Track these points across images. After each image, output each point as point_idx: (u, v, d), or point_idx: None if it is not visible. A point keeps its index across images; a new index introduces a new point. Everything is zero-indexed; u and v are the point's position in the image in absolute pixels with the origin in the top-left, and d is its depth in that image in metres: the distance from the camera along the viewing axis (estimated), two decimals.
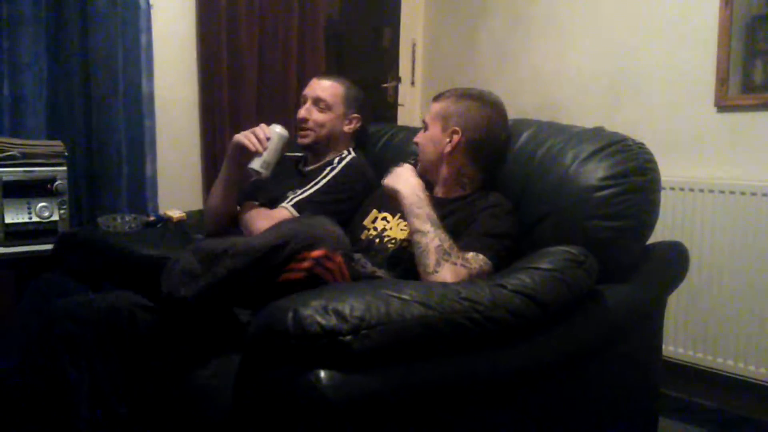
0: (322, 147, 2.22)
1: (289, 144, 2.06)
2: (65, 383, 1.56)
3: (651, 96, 2.71)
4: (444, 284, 1.36)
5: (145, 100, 2.87)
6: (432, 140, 1.85)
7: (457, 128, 1.79)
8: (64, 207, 2.53)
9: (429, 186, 1.82)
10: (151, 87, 2.90)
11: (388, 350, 1.18)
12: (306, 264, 1.43)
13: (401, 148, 2.26)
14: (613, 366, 1.67)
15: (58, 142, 2.58)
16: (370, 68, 3.81)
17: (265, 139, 1.94)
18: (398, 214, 1.84)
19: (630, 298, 1.67)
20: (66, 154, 2.57)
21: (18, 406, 1.64)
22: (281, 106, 3.15)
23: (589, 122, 1.92)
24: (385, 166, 2.20)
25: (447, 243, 1.57)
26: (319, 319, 1.14)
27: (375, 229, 1.92)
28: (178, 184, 3.05)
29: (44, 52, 2.68)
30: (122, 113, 2.80)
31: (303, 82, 3.14)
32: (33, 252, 2.45)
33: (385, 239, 1.84)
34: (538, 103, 2.95)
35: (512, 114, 2.20)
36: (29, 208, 2.46)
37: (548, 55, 2.98)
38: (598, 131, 1.79)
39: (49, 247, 2.44)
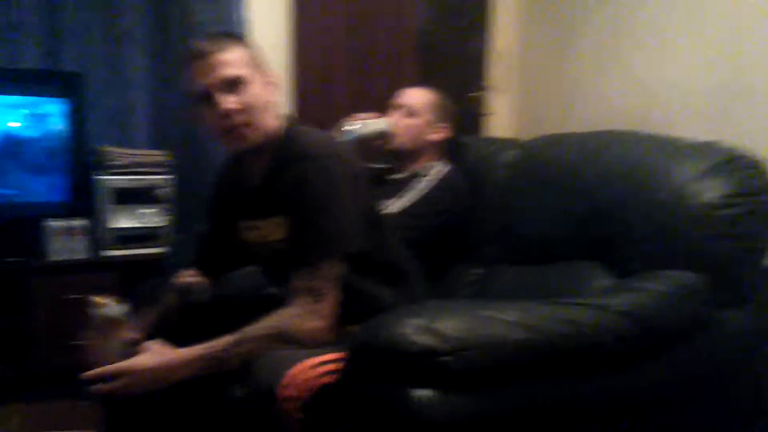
0: (409, 153, 2.23)
1: (383, 136, 2.20)
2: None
3: (765, 107, 2.57)
4: (545, 305, 1.33)
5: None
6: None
7: None
8: (168, 213, 2.65)
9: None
10: None
11: (487, 372, 1.17)
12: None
13: (492, 160, 2.24)
14: (726, 397, 1.58)
15: (163, 152, 2.70)
16: (459, 77, 3.78)
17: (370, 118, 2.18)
18: (259, 216, 1.58)
19: (747, 326, 1.56)
20: (170, 163, 2.69)
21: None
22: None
23: (693, 135, 1.82)
24: (477, 178, 2.21)
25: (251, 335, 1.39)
26: (417, 338, 1.14)
27: (256, 243, 1.63)
28: None
29: (150, 65, 2.82)
30: None
31: (393, 89, 3.18)
32: (139, 255, 2.58)
33: (276, 245, 1.57)
34: (638, 113, 2.87)
35: (609, 125, 2.15)
36: (136, 214, 2.59)
37: (649, 63, 2.89)
38: (712, 145, 1.69)
39: (153, 250, 2.57)
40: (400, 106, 2.24)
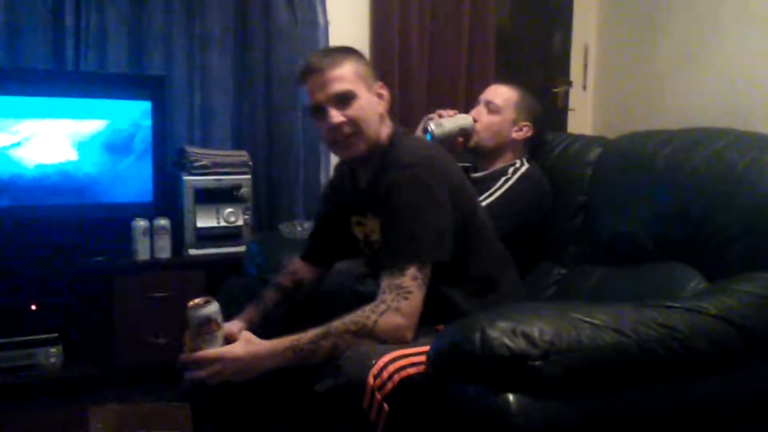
0: (490, 151, 2.20)
1: (464, 133, 2.18)
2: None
3: None
4: (637, 308, 1.28)
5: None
6: None
7: None
8: (248, 212, 2.69)
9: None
10: None
11: (579, 377, 1.15)
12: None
13: (576, 158, 2.18)
14: None
15: (244, 152, 2.75)
16: (540, 72, 3.73)
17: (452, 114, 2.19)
18: (368, 213, 1.66)
19: None
20: (250, 162, 2.73)
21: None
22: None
23: None
24: (560, 176, 2.16)
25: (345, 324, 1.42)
26: (507, 341, 1.12)
27: (359, 239, 1.74)
28: None
29: (231, 67, 2.88)
30: (300, 124, 2.93)
31: (472, 87, 3.16)
32: (221, 254, 2.64)
33: (375, 245, 1.66)
34: (728, 109, 2.75)
35: (696, 122, 2.07)
36: (218, 214, 2.65)
37: (740, 55, 2.76)
38: None
39: (235, 249, 2.62)
40: (484, 102, 2.21)
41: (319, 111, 1.57)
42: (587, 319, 1.19)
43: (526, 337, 1.13)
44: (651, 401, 1.23)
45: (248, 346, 1.45)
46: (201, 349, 1.45)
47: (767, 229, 1.52)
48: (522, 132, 2.19)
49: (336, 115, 1.54)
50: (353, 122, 1.55)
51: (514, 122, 2.18)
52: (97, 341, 2.55)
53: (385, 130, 1.62)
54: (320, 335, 1.41)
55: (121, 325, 2.52)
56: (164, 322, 2.51)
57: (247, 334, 1.49)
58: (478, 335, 1.14)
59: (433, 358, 1.24)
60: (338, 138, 1.56)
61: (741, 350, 1.28)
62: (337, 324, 1.42)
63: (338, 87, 1.54)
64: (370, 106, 1.58)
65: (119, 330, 2.52)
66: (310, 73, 1.56)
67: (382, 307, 1.42)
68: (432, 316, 1.47)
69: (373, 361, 1.29)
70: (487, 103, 2.20)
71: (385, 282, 1.45)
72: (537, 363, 1.11)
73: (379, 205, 1.55)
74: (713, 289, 1.43)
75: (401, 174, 1.50)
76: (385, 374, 1.27)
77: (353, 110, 1.55)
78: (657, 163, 1.83)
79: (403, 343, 1.39)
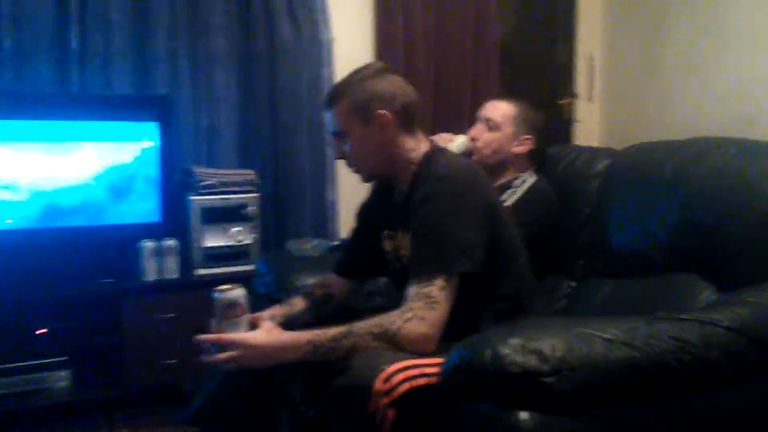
0: (493, 167, 2.19)
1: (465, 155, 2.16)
2: (266, 394, 1.65)
3: None
4: (649, 322, 1.27)
5: (326, 128, 2.99)
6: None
7: None
8: (256, 231, 2.69)
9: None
10: None
11: (591, 393, 1.13)
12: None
13: (584, 170, 2.17)
14: None
15: (250, 171, 2.76)
16: (545, 84, 3.72)
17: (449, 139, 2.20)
18: (399, 228, 1.67)
19: None
20: (257, 181, 2.73)
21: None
22: (456, 126, 3.15)
23: None
24: (568, 189, 2.15)
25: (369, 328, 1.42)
26: (518, 358, 1.10)
27: (390, 253, 1.74)
28: (355, 209, 3.13)
29: (235, 85, 2.89)
30: (306, 142, 2.93)
31: (477, 101, 3.14)
32: (229, 274, 2.63)
33: (404, 260, 1.66)
34: (732, 118, 2.74)
35: (703, 132, 2.06)
36: (225, 233, 2.64)
37: (744, 65, 2.76)
38: None
39: (243, 268, 2.62)
40: (483, 119, 2.21)
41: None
42: (598, 333, 1.17)
43: (538, 353, 1.11)
44: (665, 416, 1.21)
45: (269, 335, 1.46)
46: (224, 332, 1.46)
47: None
48: (523, 146, 2.18)
49: (336, 151, 1.70)
50: (348, 158, 1.65)
51: (515, 136, 2.17)
52: (106, 364, 2.54)
53: (413, 147, 1.63)
54: (342, 333, 1.41)
55: (130, 347, 2.51)
56: (173, 343, 2.50)
57: (270, 324, 1.52)
58: (489, 352, 1.12)
59: (443, 376, 1.23)
60: (348, 166, 1.67)
61: (755, 362, 1.25)
62: (360, 324, 1.42)
63: (333, 126, 1.64)
64: (367, 140, 1.61)
65: (128, 352, 2.51)
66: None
67: (409, 314, 1.41)
68: (456, 332, 1.42)
69: (384, 366, 1.28)
70: (487, 120, 2.20)
71: (413, 289, 1.44)
72: (549, 380, 1.09)
73: (411, 218, 1.55)
74: (725, 300, 1.41)
75: (436, 185, 1.51)
76: (394, 380, 1.26)
77: (348, 147, 1.63)
78: (665, 174, 1.82)
79: (423, 353, 1.37)
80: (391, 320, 1.41)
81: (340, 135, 1.63)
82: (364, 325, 1.42)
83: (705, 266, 1.67)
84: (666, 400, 1.20)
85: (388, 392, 1.25)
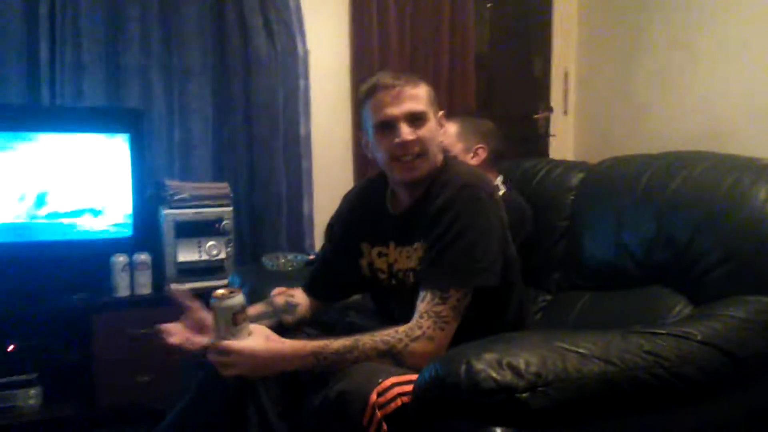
0: None
1: None
2: (238, 408, 1.61)
3: None
4: (624, 336, 1.26)
5: (302, 141, 2.99)
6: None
7: None
8: (231, 245, 2.66)
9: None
10: (308, 129, 3.01)
11: (566, 408, 1.12)
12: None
13: (558, 184, 2.18)
14: None
15: (224, 184, 2.73)
16: (521, 99, 3.75)
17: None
18: (391, 243, 1.63)
19: None
20: (231, 195, 2.71)
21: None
22: None
23: (763, 153, 1.75)
24: (542, 202, 2.15)
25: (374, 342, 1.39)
26: (493, 374, 1.10)
27: (382, 270, 1.68)
28: None
29: (210, 98, 2.86)
30: (281, 155, 2.92)
31: (454, 115, 3.15)
32: (203, 288, 2.59)
33: (400, 275, 1.62)
34: (705, 132, 2.77)
35: (677, 146, 2.07)
36: (199, 247, 2.61)
37: (715, 80, 2.79)
38: None
39: (217, 283, 2.58)
40: None
41: (387, 126, 1.53)
42: (573, 348, 1.17)
43: (512, 368, 1.11)
44: (640, 430, 1.21)
45: (270, 344, 1.42)
46: (225, 340, 1.42)
47: (750, 252, 1.52)
48: (478, 156, 2.18)
49: (409, 132, 1.51)
50: (423, 143, 1.52)
51: (467, 150, 2.18)
52: (78, 381, 2.49)
53: (440, 156, 1.60)
54: (347, 348, 1.38)
55: (102, 363, 2.46)
56: (146, 360, 2.45)
57: (267, 331, 1.46)
58: (463, 367, 1.12)
59: (417, 391, 1.21)
60: (405, 156, 1.53)
61: (728, 376, 1.26)
62: (365, 339, 1.39)
63: (414, 106, 1.53)
64: (437, 131, 1.57)
65: (100, 369, 2.46)
66: (384, 87, 1.53)
67: (417, 332, 1.39)
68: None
69: (380, 380, 1.26)
70: None
71: (423, 305, 1.41)
72: (523, 396, 1.09)
73: (425, 227, 1.51)
74: (698, 314, 1.42)
75: (458, 193, 1.47)
76: (389, 394, 1.24)
77: (424, 131, 1.53)
78: (638, 188, 1.83)
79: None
80: (399, 338, 1.38)
81: (419, 117, 1.53)
82: (369, 341, 1.38)
83: (679, 279, 1.67)
84: (641, 415, 1.21)
85: (382, 405, 1.23)
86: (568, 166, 2.24)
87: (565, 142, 3.55)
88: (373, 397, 1.22)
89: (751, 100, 2.66)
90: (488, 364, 1.11)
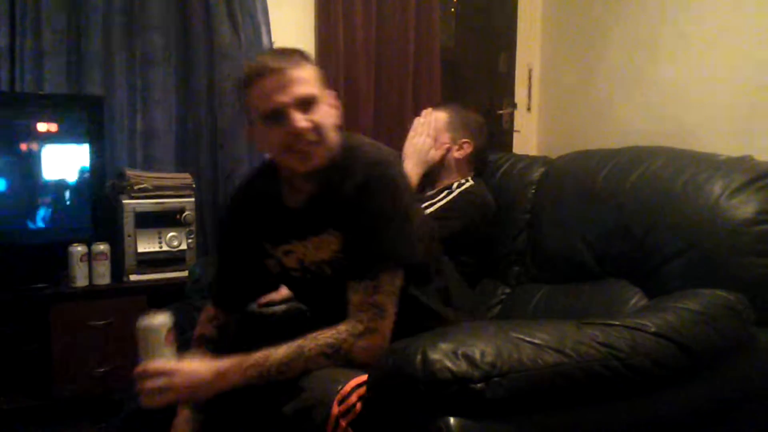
0: (434, 173, 2.20)
1: None
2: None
3: None
4: (579, 328, 1.28)
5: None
6: None
7: None
8: (192, 236, 2.63)
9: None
10: None
11: (521, 399, 1.14)
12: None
13: (520, 178, 2.20)
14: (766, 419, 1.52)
15: (186, 175, 2.69)
16: (486, 94, 3.77)
17: None
18: (294, 240, 1.52)
19: None
20: (194, 185, 2.68)
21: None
22: (398, 135, 3.16)
23: (722, 150, 1.78)
24: (505, 196, 2.17)
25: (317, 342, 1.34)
26: (449, 364, 1.10)
27: (294, 268, 1.56)
28: None
29: (173, 87, 2.82)
30: (246, 146, 2.88)
31: (419, 110, 3.16)
32: (163, 280, 2.56)
33: (313, 268, 1.52)
34: (667, 129, 2.81)
35: (637, 141, 2.11)
36: (160, 238, 2.58)
37: (676, 77, 2.83)
38: (746, 160, 1.66)
39: (178, 274, 2.56)
40: None
41: (276, 115, 1.38)
42: (528, 339, 1.19)
43: (468, 358, 1.11)
44: (594, 422, 1.23)
45: (206, 361, 1.35)
46: (152, 359, 1.35)
47: (704, 246, 1.56)
48: (463, 149, 2.19)
49: (301, 119, 1.37)
50: (318, 128, 1.39)
51: (453, 141, 2.19)
52: (35, 372, 2.43)
53: (337, 140, 1.47)
54: (291, 356, 1.32)
55: (59, 354, 2.41)
56: (105, 351, 2.42)
57: (199, 352, 1.41)
58: (419, 358, 1.12)
59: (373, 383, 1.21)
60: (300, 145, 1.39)
61: (681, 367, 1.28)
62: (310, 345, 1.33)
63: (303, 89, 1.38)
64: (330, 113, 1.44)
65: (57, 360, 2.41)
66: (268, 73, 1.38)
67: (360, 327, 1.34)
68: (407, 325, 1.37)
69: (339, 387, 1.23)
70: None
71: (358, 298, 1.36)
72: (479, 386, 1.09)
73: (337, 216, 1.43)
74: (653, 306, 1.44)
75: (370, 173, 1.39)
76: (350, 400, 1.22)
77: (317, 116, 1.39)
78: (598, 182, 1.86)
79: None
80: (342, 338, 1.34)
81: (309, 101, 1.39)
82: (313, 345, 1.33)
83: (635, 272, 1.71)
84: (595, 406, 1.22)
85: (345, 413, 1.20)
86: (530, 161, 2.27)
87: (528, 137, 3.58)
88: (335, 409, 1.20)
89: (713, 97, 2.70)
90: (444, 354, 1.11)
